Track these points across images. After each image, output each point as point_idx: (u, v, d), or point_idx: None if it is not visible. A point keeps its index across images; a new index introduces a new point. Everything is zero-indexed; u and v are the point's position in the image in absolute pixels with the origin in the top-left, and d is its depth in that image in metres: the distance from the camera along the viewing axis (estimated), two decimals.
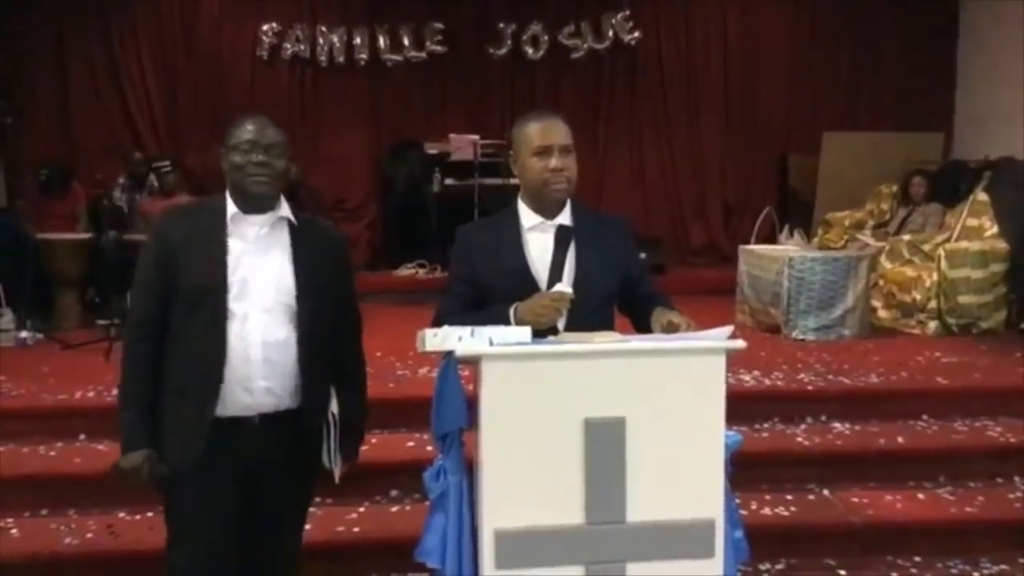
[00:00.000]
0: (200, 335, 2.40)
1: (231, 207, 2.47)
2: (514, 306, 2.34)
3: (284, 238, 2.51)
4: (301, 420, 2.51)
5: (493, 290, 2.45)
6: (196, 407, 2.42)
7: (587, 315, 2.39)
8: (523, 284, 2.41)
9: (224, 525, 2.49)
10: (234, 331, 2.41)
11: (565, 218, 2.49)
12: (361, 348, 2.76)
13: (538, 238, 2.47)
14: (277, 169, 2.46)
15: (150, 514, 3.78)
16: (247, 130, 2.45)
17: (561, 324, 2.36)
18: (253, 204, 2.46)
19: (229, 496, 2.48)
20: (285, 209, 2.52)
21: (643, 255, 2.79)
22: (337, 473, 2.60)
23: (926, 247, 6.67)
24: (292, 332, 2.47)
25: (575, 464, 2.06)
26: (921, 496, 4.06)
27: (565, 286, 2.37)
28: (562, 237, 2.43)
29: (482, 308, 2.44)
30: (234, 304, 2.41)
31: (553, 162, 2.43)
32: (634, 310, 2.54)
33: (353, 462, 2.70)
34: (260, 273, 2.45)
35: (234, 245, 2.44)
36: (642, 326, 2.44)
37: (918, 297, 6.36)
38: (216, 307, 2.40)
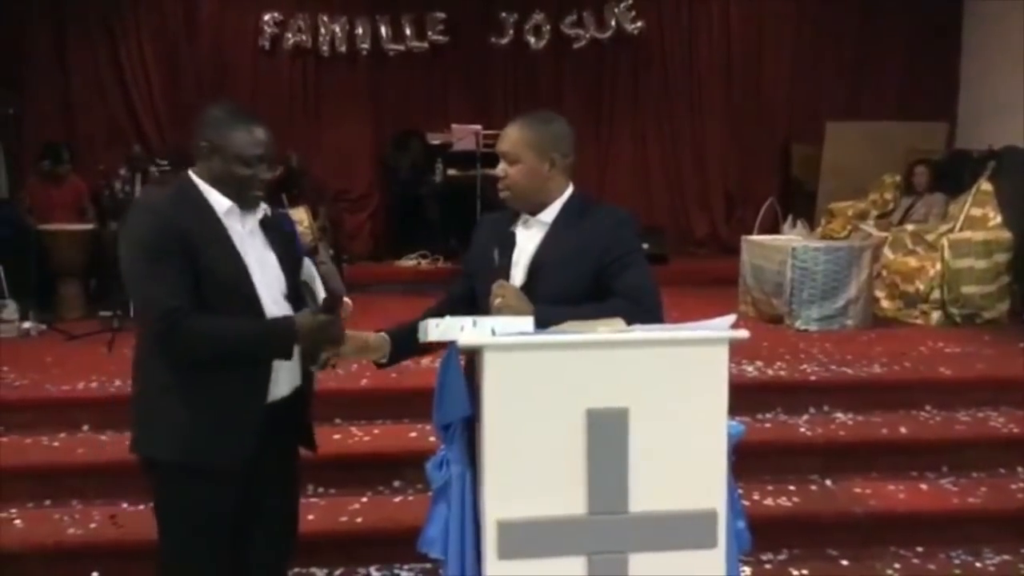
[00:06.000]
0: None
1: (223, 200, 2.38)
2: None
3: (260, 231, 2.48)
4: (300, 400, 2.53)
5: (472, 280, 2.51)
6: (243, 397, 2.35)
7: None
8: (485, 277, 2.42)
9: (223, 536, 2.46)
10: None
11: (550, 214, 2.48)
12: None
13: (523, 233, 2.50)
14: (267, 179, 2.44)
15: (153, 504, 3.80)
16: (259, 142, 2.36)
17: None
18: (246, 206, 2.43)
19: (234, 499, 2.44)
20: (263, 205, 2.50)
21: (646, 245, 2.72)
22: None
23: (929, 237, 6.65)
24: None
25: (578, 455, 2.06)
26: (924, 486, 4.06)
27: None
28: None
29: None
30: (260, 291, 2.38)
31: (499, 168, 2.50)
32: None
33: None
34: (260, 264, 2.42)
35: (233, 238, 2.40)
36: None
37: (921, 287, 6.35)
38: (249, 296, 2.35)
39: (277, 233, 2.51)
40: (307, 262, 2.57)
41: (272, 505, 2.56)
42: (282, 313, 2.43)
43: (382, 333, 2.53)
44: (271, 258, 2.46)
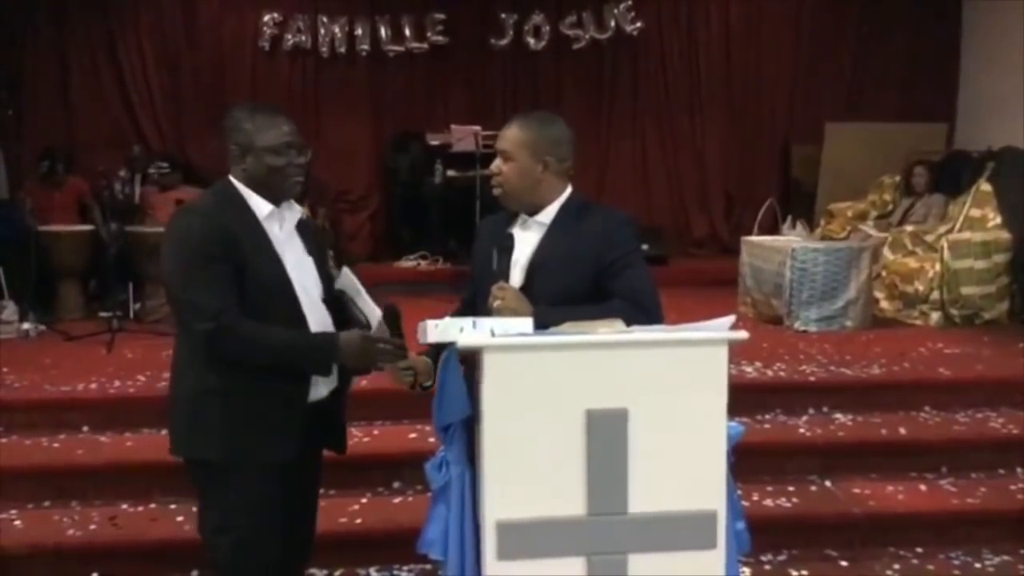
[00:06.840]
0: (282, 325, 2.37)
1: (264, 204, 2.41)
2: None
3: (296, 235, 2.50)
4: (338, 400, 2.57)
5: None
6: (287, 395, 2.39)
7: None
8: (484, 278, 2.43)
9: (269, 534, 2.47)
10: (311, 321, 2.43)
11: (548, 215, 2.48)
12: None
13: (521, 234, 2.49)
14: (305, 168, 2.48)
15: (152, 505, 3.81)
16: (284, 131, 2.40)
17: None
18: (282, 202, 2.45)
19: (274, 497, 2.45)
20: (299, 208, 2.54)
21: (645, 246, 2.71)
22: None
23: (929, 238, 6.66)
24: (329, 319, 2.50)
25: (577, 455, 2.06)
26: (923, 487, 4.06)
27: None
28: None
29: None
30: (299, 295, 2.43)
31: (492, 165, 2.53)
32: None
33: None
34: (299, 268, 2.45)
35: (273, 241, 2.42)
36: None
37: (921, 288, 6.35)
38: (289, 299, 2.39)
39: (311, 232, 2.54)
40: (346, 271, 2.55)
41: (301, 503, 2.59)
42: (319, 316, 2.45)
43: (424, 357, 2.50)
44: (308, 262, 2.49)
